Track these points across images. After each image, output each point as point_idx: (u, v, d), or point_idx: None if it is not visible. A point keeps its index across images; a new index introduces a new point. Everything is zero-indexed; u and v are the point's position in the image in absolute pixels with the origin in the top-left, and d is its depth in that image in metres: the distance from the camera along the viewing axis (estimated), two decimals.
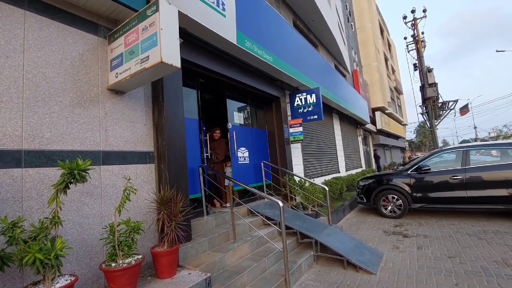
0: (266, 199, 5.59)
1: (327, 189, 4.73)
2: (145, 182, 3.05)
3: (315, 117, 6.18)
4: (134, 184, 2.92)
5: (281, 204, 3.14)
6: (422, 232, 5.08)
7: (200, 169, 4.01)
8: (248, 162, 5.42)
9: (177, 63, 2.45)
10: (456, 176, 5.60)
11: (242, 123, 5.51)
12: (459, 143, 33.01)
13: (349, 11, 17.30)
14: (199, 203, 4.00)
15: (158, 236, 3.01)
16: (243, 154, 5.25)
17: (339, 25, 11.83)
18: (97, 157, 2.66)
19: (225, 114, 5.04)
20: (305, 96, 6.30)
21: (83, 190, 2.52)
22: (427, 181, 5.93)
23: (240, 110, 5.55)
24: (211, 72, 4.25)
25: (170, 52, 2.38)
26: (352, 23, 18.02)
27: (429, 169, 5.98)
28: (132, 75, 2.57)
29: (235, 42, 3.96)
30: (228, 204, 4.41)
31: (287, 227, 4.24)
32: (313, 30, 9.68)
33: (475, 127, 52.33)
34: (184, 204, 3.03)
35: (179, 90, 3.43)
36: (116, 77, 2.74)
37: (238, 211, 4.37)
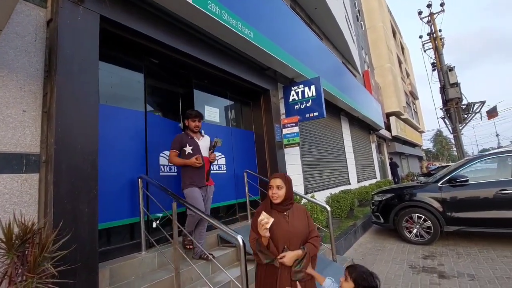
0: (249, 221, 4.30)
1: (329, 209, 3.37)
2: (12, 204, 1.84)
3: (316, 114, 4.88)
4: None
5: (241, 241, 1.87)
6: (464, 269, 3.64)
7: (140, 181, 2.78)
8: (225, 171, 4.15)
9: None
10: (506, 190, 4.17)
11: (218, 121, 4.27)
12: (478, 152, 30.56)
13: (358, 10, 16.11)
14: (138, 232, 2.75)
15: None
16: (217, 161, 3.99)
17: (346, 20, 10.60)
18: None
19: (190, 108, 3.82)
20: (303, 89, 5.01)
21: None
22: (465, 197, 4.51)
23: (215, 104, 4.33)
24: (165, 47, 3.09)
25: None
26: (362, 23, 16.78)
27: (466, 181, 4.55)
28: None
29: (189, 0, 2.78)
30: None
31: None
32: (315, 21, 8.49)
33: (497, 135, 49.27)
34: (83, 241, 1.82)
35: (93, 64, 2.26)
36: None
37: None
